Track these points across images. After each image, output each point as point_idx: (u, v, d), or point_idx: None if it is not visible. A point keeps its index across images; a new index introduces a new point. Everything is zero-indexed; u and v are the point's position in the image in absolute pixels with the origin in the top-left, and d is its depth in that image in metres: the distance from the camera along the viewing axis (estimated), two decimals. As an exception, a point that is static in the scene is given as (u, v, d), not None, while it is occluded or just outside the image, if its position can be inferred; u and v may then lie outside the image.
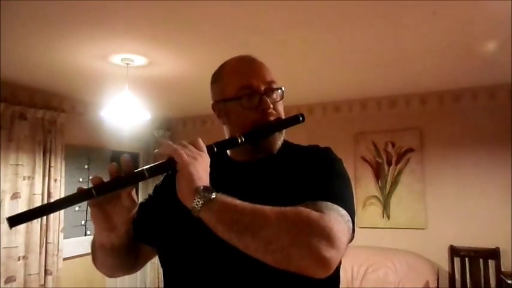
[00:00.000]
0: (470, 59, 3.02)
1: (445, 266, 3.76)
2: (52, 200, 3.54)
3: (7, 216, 0.73)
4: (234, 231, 0.75)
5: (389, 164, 4.08)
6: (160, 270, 1.03)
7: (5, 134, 3.31)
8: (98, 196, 0.79)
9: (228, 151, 1.03)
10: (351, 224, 0.82)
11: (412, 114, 4.05)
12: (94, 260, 1.01)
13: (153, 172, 0.82)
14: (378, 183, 4.10)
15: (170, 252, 0.97)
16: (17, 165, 3.35)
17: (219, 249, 0.82)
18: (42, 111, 3.54)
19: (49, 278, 3.49)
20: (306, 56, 2.93)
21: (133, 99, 2.95)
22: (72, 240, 3.91)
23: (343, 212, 0.81)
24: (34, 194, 3.43)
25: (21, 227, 3.32)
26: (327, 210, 0.78)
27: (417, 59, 3.03)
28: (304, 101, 4.20)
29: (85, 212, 4.07)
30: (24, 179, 3.40)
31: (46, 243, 3.50)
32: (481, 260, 3.59)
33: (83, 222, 4.09)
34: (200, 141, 0.86)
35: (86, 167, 4.16)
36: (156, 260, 1.04)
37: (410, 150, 4.00)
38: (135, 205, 0.85)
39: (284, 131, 1.00)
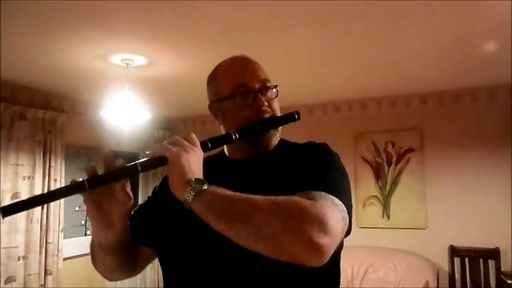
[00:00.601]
0: (470, 59, 3.02)
1: (445, 266, 3.76)
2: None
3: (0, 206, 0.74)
4: (225, 219, 0.74)
5: (389, 164, 4.08)
6: (160, 271, 1.03)
7: (5, 134, 3.31)
8: (90, 188, 0.79)
9: (225, 151, 1.04)
10: (346, 215, 0.80)
11: (412, 114, 4.05)
12: (94, 261, 1.01)
13: (146, 166, 0.82)
14: (378, 183, 4.10)
15: (169, 252, 0.97)
16: (17, 165, 3.35)
17: (218, 249, 0.82)
18: (42, 111, 3.54)
19: (49, 278, 3.49)
20: (306, 56, 2.93)
21: (133, 99, 2.95)
22: (72, 240, 3.92)
23: (338, 201, 0.79)
24: (34, 194, 3.43)
25: (21, 227, 3.32)
26: (320, 199, 0.77)
27: (417, 59, 3.03)
28: (304, 101, 4.20)
29: (85, 212, 4.07)
30: (24, 179, 3.40)
31: (46, 243, 3.50)
32: (481, 260, 3.59)
33: (82, 222, 4.10)
34: (193, 135, 0.86)
35: (86, 167, 4.15)
36: (156, 261, 1.04)
37: (410, 150, 4.00)
38: (129, 199, 0.86)
39: (280, 129, 1.00)
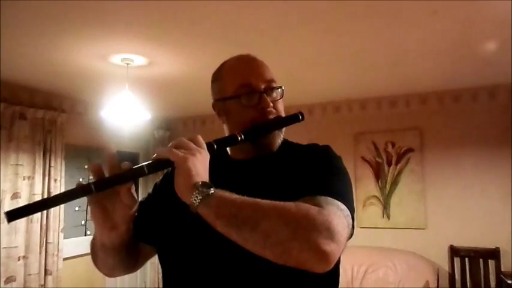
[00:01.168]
0: (470, 59, 3.02)
1: (445, 266, 3.76)
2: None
3: (5, 210, 0.73)
4: (233, 225, 0.74)
5: (389, 164, 4.08)
6: (161, 270, 1.02)
7: (5, 134, 3.31)
8: (96, 191, 0.78)
9: (228, 150, 1.03)
10: (350, 219, 0.82)
11: (412, 114, 4.05)
12: (94, 259, 1.00)
13: (152, 168, 0.81)
14: (378, 183, 4.10)
15: (170, 251, 0.97)
16: (17, 165, 3.35)
17: (219, 247, 0.82)
18: (42, 111, 3.54)
19: (49, 278, 3.49)
20: (306, 56, 2.93)
21: (133, 99, 2.95)
22: (72, 240, 3.91)
23: (343, 206, 0.80)
24: (34, 194, 3.43)
25: (21, 227, 3.32)
26: (326, 205, 0.77)
27: (417, 59, 3.03)
28: (304, 101, 4.20)
29: (85, 212, 4.07)
30: (24, 179, 3.40)
31: (46, 243, 3.50)
32: (481, 260, 3.59)
33: (83, 222, 4.09)
34: (199, 137, 0.85)
35: (86, 167, 4.16)
36: (156, 260, 1.03)
37: (410, 150, 4.00)
38: (134, 202, 0.85)
39: (284, 129, 1.00)
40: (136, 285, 4.65)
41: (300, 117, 0.99)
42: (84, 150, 4.12)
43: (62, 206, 3.64)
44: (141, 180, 4.64)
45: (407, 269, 3.56)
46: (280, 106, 1.00)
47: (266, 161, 0.97)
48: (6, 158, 3.30)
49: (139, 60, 2.88)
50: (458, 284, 3.66)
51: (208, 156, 0.84)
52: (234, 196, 0.77)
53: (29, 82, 3.46)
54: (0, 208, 3.20)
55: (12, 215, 0.73)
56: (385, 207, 4.05)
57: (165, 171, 1.00)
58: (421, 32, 2.50)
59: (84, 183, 0.79)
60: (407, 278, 3.51)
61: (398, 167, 4.04)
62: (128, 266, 1.02)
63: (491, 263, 3.54)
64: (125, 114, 2.93)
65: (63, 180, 3.69)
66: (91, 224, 4.08)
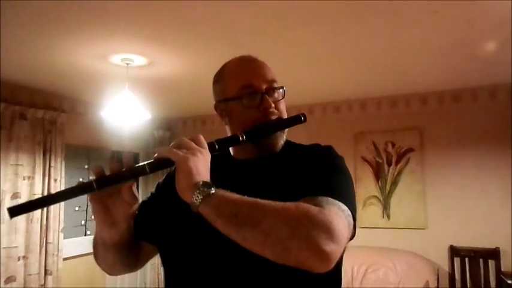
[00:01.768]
0: (470, 59, 3.02)
1: (445, 266, 3.76)
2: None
3: (8, 207, 0.74)
4: (233, 224, 0.74)
5: (389, 164, 4.08)
6: (160, 271, 1.02)
7: (5, 134, 3.31)
8: (98, 189, 0.79)
9: (231, 150, 1.03)
10: (352, 220, 0.82)
11: (412, 114, 4.05)
12: (95, 255, 1.01)
13: (154, 167, 0.81)
14: (378, 183, 4.10)
15: (171, 250, 0.97)
16: (17, 165, 3.36)
17: (221, 247, 0.82)
18: (42, 111, 3.55)
19: (49, 278, 3.49)
20: (306, 56, 2.93)
21: (133, 99, 2.95)
22: (72, 240, 3.91)
23: (344, 207, 0.80)
24: (34, 194, 3.43)
25: (21, 227, 3.32)
26: (327, 205, 0.78)
27: (417, 59, 3.03)
28: (304, 101, 4.20)
29: (85, 212, 4.07)
30: (24, 179, 3.40)
31: (46, 243, 3.50)
32: (481, 260, 3.59)
33: (83, 222, 4.09)
34: (201, 137, 0.85)
35: (86, 167, 4.16)
36: (156, 260, 1.04)
37: (410, 150, 4.00)
38: (135, 200, 0.85)
39: (286, 130, 1.00)
40: (136, 285, 4.64)
41: (302, 118, 0.99)
42: (84, 150, 4.13)
43: (62, 206, 3.64)
44: (141, 179, 4.65)
45: (407, 269, 3.56)
46: (282, 106, 1.00)
47: (268, 161, 0.97)
48: (6, 158, 3.30)
49: (139, 60, 2.88)
50: (458, 284, 3.66)
51: (210, 156, 0.84)
52: (235, 196, 0.77)
53: (29, 82, 3.46)
54: (0, 208, 3.20)
55: (15, 211, 0.75)
56: (385, 207, 4.05)
57: (168, 171, 1.00)
58: (421, 32, 2.50)
59: (85, 181, 0.80)
60: (407, 278, 3.51)
61: (398, 167, 4.04)
62: (128, 264, 1.02)
63: (491, 263, 3.54)
64: (124, 114, 2.93)
65: (63, 180, 3.69)
66: (91, 224, 4.08)
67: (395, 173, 4.04)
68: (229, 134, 1.01)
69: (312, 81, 3.62)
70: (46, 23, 2.28)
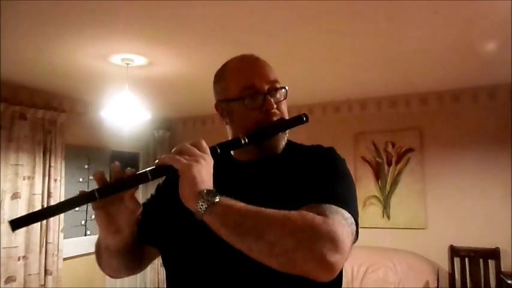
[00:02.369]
0: (470, 59, 3.02)
1: (445, 266, 3.76)
2: (52, 200, 3.54)
3: (9, 219, 0.73)
4: (238, 234, 0.74)
5: (389, 164, 4.08)
6: (160, 271, 1.02)
7: (5, 134, 3.31)
8: (100, 198, 0.78)
9: (231, 151, 1.02)
10: (355, 227, 0.82)
11: (412, 114, 4.05)
12: (99, 261, 1.00)
13: (156, 174, 0.81)
14: (378, 183, 4.10)
15: (173, 253, 0.97)
16: (17, 165, 3.35)
17: (222, 250, 0.82)
18: (42, 111, 3.55)
19: (49, 278, 3.49)
20: (306, 56, 2.93)
21: (133, 99, 2.95)
22: (72, 240, 3.91)
23: (347, 214, 0.80)
24: (34, 194, 3.44)
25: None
26: (331, 214, 0.77)
27: (417, 59, 3.03)
28: (304, 101, 4.20)
29: (85, 212, 4.07)
30: (24, 179, 3.40)
31: (46, 243, 3.50)
32: (481, 260, 3.59)
33: (83, 222, 4.09)
34: (203, 142, 0.84)
35: (86, 167, 4.15)
36: (156, 261, 1.03)
37: (410, 150, 4.00)
38: (139, 207, 0.84)
39: (288, 131, 0.99)
40: (136, 285, 4.64)
41: (304, 118, 0.99)
42: (84, 150, 4.12)
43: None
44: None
45: (407, 269, 3.56)
46: (284, 107, 0.99)
47: (270, 162, 0.96)
48: (6, 158, 3.30)
49: (139, 60, 2.88)
50: (458, 284, 3.66)
51: (212, 161, 0.83)
52: (239, 204, 0.76)
53: (29, 82, 3.46)
54: (0, 208, 3.20)
55: (16, 224, 0.73)
56: (385, 207, 4.05)
57: None
58: (421, 32, 2.50)
59: (87, 190, 0.79)
60: (407, 278, 3.51)
61: (398, 167, 4.04)
62: (132, 268, 1.02)
63: (491, 263, 3.54)
64: (124, 114, 2.93)
65: (63, 180, 3.69)
66: (91, 224, 4.08)
67: (395, 173, 4.04)
68: (230, 134, 1.01)
69: (312, 81, 3.62)
70: (46, 23, 2.28)
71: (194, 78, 3.25)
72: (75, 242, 3.93)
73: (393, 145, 4.07)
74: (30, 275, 3.37)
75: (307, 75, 3.43)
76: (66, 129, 3.77)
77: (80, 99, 4.04)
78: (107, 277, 3.97)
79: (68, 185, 3.78)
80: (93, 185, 0.81)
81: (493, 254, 3.54)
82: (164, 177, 1.07)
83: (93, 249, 1.01)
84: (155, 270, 4.64)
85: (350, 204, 0.83)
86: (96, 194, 0.78)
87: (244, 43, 2.57)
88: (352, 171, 0.96)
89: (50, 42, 2.56)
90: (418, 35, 2.54)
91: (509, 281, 3.26)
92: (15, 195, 3.32)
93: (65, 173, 3.74)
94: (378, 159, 4.12)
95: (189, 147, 0.82)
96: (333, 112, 4.39)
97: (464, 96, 3.85)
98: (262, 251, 0.73)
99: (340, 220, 0.77)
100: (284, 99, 0.99)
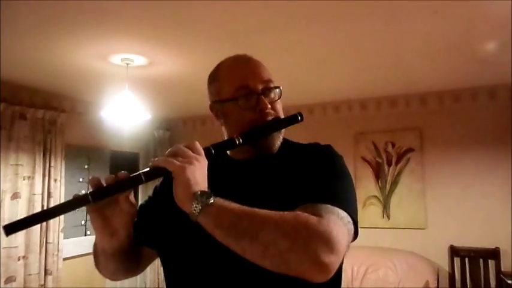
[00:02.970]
0: (470, 59, 3.02)
1: (445, 266, 3.76)
2: (52, 200, 3.54)
3: (3, 224, 0.73)
4: (232, 235, 0.74)
5: (389, 164, 4.08)
6: (160, 271, 1.02)
7: (5, 134, 3.31)
8: (94, 201, 0.79)
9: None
10: (352, 226, 0.81)
11: (412, 114, 4.05)
12: (96, 264, 1.00)
13: (150, 176, 0.81)
14: (378, 183, 4.10)
15: (171, 254, 0.97)
16: (17, 165, 3.35)
17: (219, 251, 0.82)
18: (42, 111, 3.54)
19: (49, 278, 3.49)
20: (306, 55, 2.93)
21: (134, 99, 2.95)
22: (72, 240, 3.91)
23: (343, 214, 0.79)
24: (34, 194, 3.43)
25: (21, 227, 3.32)
26: (326, 214, 0.76)
27: (417, 59, 3.03)
28: (304, 101, 4.20)
29: (85, 212, 4.06)
30: (24, 179, 3.40)
31: (46, 243, 3.50)
32: (481, 260, 3.59)
33: (82, 222, 4.09)
34: (197, 144, 0.84)
35: (86, 167, 4.16)
36: (156, 261, 1.03)
37: (410, 150, 4.00)
38: (134, 209, 0.84)
39: (283, 130, 0.99)
40: (136, 285, 4.64)
41: (299, 118, 0.98)
42: (84, 150, 4.13)
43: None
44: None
45: (407, 269, 3.56)
46: (279, 106, 0.99)
47: (265, 161, 0.96)
48: (6, 158, 3.30)
49: (139, 60, 2.88)
50: (458, 284, 3.66)
51: (207, 163, 0.83)
52: (234, 205, 0.76)
53: (29, 82, 3.46)
54: (0, 208, 3.20)
55: (10, 229, 0.73)
56: (385, 207, 4.05)
57: None
58: (421, 32, 2.50)
59: (80, 194, 0.79)
60: (407, 278, 3.51)
61: (398, 167, 4.04)
62: (129, 270, 1.02)
63: (491, 263, 3.54)
64: (125, 114, 2.93)
65: (63, 180, 3.69)
66: (91, 224, 4.08)
67: (395, 173, 4.04)
68: (225, 134, 1.00)
69: (312, 81, 3.62)
70: (46, 23, 2.28)
71: (194, 78, 3.25)
72: (75, 242, 3.93)
73: (393, 145, 4.07)
74: (30, 275, 3.37)
75: (307, 75, 3.43)
76: (66, 129, 3.77)
77: (80, 99, 4.04)
78: (110, 280, 3.98)
79: (68, 185, 3.78)
80: (93, 185, 0.81)
81: (493, 254, 3.54)
82: (161, 178, 1.08)
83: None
84: (155, 271, 4.64)
85: (346, 203, 0.82)
86: (90, 197, 0.78)
87: (244, 43, 2.57)
88: (352, 171, 0.96)
89: (50, 42, 2.56)
90: (418, 35, 2.54)
91: (509, 281, 3.26)
92: (15, 195, 3.32)
93: (65, 173, 3.74)
94: (378, 159, 4.12)
95: (182, 149, 0.81)
96: (333, 112, 4.39)
97: (464, 96, 3.85)
98: (256, 252, 0.73)
99: (335, 220, 0.76)
100: (278, 98, 0.98)
